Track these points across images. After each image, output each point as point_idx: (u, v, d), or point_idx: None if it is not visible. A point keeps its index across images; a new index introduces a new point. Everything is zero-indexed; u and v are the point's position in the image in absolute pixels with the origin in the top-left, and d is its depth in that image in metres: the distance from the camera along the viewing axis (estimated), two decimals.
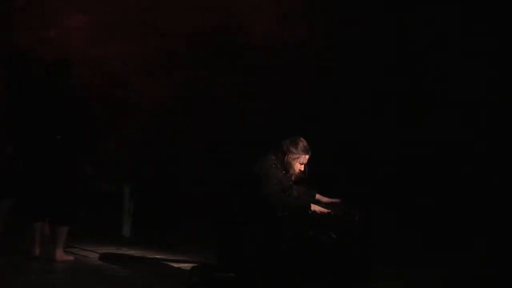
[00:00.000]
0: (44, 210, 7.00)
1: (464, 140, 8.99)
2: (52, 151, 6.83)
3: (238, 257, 5.87)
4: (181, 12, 9.66)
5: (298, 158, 6.00)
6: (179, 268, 6.82)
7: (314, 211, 5.83)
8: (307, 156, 6.03)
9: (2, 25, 9.90)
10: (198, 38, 9.66)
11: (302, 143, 6.01)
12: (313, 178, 6.19)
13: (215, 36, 9.63)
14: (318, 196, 6.21)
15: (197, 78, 9.76)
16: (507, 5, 8.68)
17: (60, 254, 6.94)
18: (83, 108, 6.95)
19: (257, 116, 9.53)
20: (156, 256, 7.39)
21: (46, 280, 6.23)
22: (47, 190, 6.91)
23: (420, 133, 9.21)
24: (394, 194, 9.03)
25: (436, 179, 9.09)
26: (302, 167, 6.04)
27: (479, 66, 8.86)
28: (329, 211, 5.86)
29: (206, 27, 9.62)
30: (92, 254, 7.36)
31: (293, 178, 6.07)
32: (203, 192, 9.43)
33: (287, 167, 6.01)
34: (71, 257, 7.07)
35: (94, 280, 6.24)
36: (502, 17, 8.74)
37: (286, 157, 5.99)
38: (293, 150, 5.98)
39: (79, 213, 7.09)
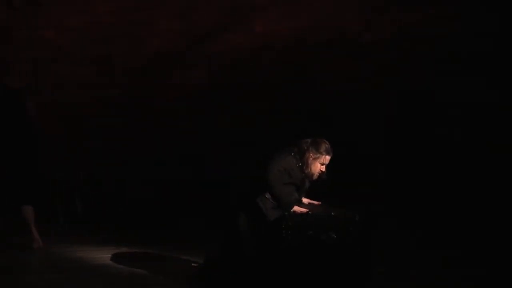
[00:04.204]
0: (26, 195, 7.67)
1: (464, 139, 9.00)
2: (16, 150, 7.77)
3: (238, 257, 5.88)
4: (181, 12, 9.66)
5: (318, 158, 5.93)
6: (180, 267, 6.82)
7: (294, 211, 5.85)
8: (328, 157, 5.95)
9: (2, 25, 9.91)
10: (199, 38, 9.66)
11: (325, 144, 5.95)
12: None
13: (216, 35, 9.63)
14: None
15: (198, 78, 9.76)
16: None
17: (35, 232, 7.59)
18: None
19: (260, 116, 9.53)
20: (157, 255, 7.40)
21: (47, 279, 6.24)
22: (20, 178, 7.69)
23: (419, 134, 9.22)
24: (394, 194, 9.03)
25: (436, 178, 9.09)
26: (323, 168, 5.97)
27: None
28: (307, 210, 5.87)
29: (206, 27, 9.62)
30: (92, 254, 7.37)
31: (313, 178, 5.99)
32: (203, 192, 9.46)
33: (303, 165, 5.96)
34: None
35: (94, 279, 6.26)
36: None
37: (305, 155, 5.96)
38: (314, 150, 5.93)
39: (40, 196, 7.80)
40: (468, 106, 9.05)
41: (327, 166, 6.00)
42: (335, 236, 5.72)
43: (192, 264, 6.77)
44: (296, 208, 5.87)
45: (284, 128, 8.89)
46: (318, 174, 5.98)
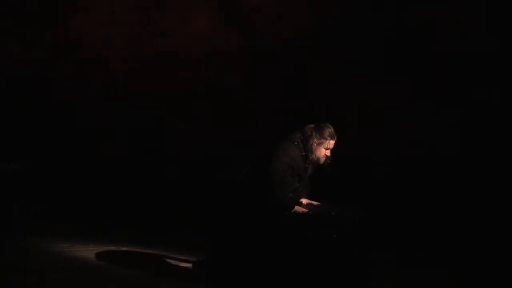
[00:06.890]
0: None
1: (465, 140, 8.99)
2: None
3: (238, 256, 5.88)
4: (181, 11, 9.67)
5: (322, 143, 5.94)
6: (180, 267, 6.83)
7: (295, 211, 5.85)
8: (332, 142, 5.96)
9: (3, 25, 9.91)
10: (199, 38, 9.67)
11: (328, 128, 5.96)
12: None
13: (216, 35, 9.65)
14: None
15: (198, 77, 9.76)
16: None
17: None
18: None
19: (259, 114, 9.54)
20: (158, 255, 7.40)
21: (47, 279, 6.23)
22: None
23: (420, 135, 9.21)
24: (393, 194, 9.03)
25: (436, 180, 9.09)
26: (328, 152, 5.98)
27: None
28: (307, 210, 5.87)
29: (206, 27, 9.63)
30: (92, 254, 7.37)
31: (320, 163, 5.98)
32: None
33: (308, 152, 5.97)
34: None
35: (95, 279, 6.25)
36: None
37: (309, 142, 5.96)
38: (318, 135, 5.93)
39: None
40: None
41: (332, 151, 6.00)
42: (335, 236, 5.73)
43: (192, 264, 6.77)
44: (296, 208, 5.87)
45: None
46: (323, 159, 5.98)
